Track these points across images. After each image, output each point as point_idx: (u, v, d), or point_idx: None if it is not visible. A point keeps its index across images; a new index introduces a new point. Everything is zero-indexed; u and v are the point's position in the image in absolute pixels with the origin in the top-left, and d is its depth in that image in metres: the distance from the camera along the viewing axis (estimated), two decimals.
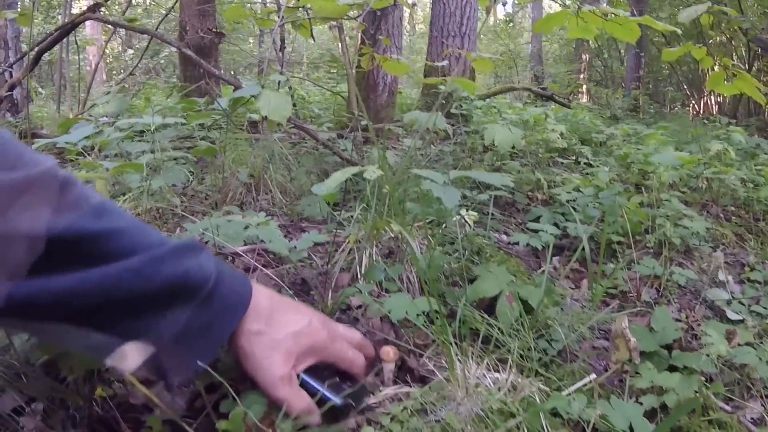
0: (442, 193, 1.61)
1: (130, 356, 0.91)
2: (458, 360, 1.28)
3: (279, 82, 2.91)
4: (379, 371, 1.35)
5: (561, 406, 1.19)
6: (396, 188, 1.90)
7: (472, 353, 1.33)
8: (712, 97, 7.48)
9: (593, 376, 1.31)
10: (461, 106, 3.93)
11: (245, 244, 1.93)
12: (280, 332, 1.08)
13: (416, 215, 1.90)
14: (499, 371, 1.30)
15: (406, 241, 1.76)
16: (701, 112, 7.55)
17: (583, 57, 12.32)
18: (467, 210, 2.28)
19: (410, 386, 1.33)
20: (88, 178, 1.97)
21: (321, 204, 2.37)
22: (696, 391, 1.37)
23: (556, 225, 2.40)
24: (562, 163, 3.56)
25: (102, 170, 1.94)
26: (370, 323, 1.56)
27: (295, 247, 1.87)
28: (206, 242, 1.98)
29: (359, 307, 1.67)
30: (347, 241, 1.88)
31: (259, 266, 1.84)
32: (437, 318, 1.32)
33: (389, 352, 1.31)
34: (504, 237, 2.37)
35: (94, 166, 2.01)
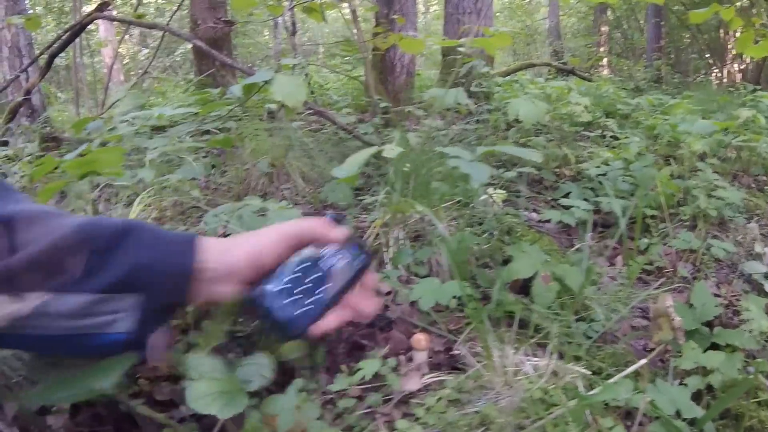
0: (471, 170, 1.53)
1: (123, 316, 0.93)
2: (495, 346, 1.21)
3: (293, 66, 2.83)
4: (411, 360, 1.29)
5: (611, 398, 1.11)
6: (420, 168, 1.83)
7: (509, 338, 1.26)
8: (735, 65, 7.32)
9: (643, 361, 1.23)
10: (481, 84, 3.84)
11: None
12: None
13: (442, 195, 1.83)
14: (538, 356, 1.23)
15: (434, 224, 1.69)
16: (724, 80, 7.39)
17: (603, 29, 12.13)
18: (495, 188, 2.21)
19: (445, 375, 1.26)
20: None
21: (344, 189, 2.30)
22: (739, 370, 1.31)
23: (586, 200, 2.31)
24: (588, 137, 3.46)
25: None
26: (399, 310, 1.50)
27: None
28: (227, 234, 1.92)
29: (388, 293, 1.61)
30: (372, 225, 1.81)
31: None
32: (470, 301, 1.25)
33: (421, 340, 1.24)
34: (534, 215, 2.29)
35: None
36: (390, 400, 1.19)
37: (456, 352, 1.34)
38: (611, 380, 1.20)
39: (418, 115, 3.48)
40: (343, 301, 1.06)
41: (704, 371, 1.33)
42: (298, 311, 0.99)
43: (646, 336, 1.50)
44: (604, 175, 2.60)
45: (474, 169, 1.53)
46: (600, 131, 3.60)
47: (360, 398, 1.20)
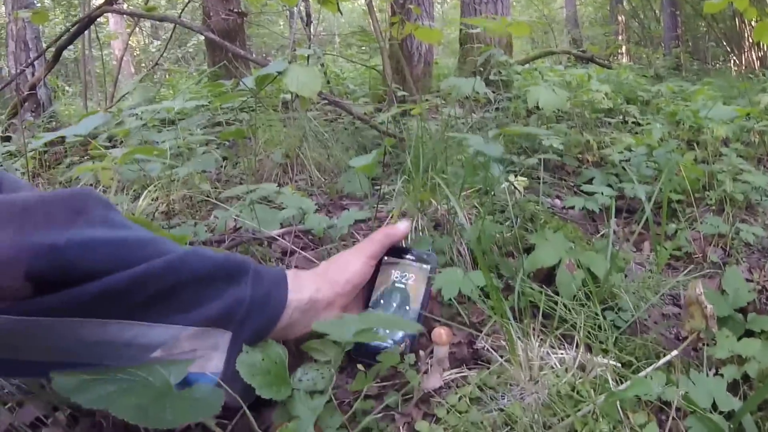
0: (483, 147, 1.48)
1: (214, 354, 0.97)
2: (519, 339, 1.14)
3: (308, 56, 2.76)
4: (431, 355, 1.22)
5: (643, 392, 1.04)
6: (439, 156, 1.77)
7: (534, 330, 1.19)
8: (753, 53, 7.18)
9: (675, 352, 1.16)
10: (500, 72, 3.76)
11: (282, 227, 1.82)
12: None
13: (462, 183, 1.76)
14: (564, 349, 1.16)
15: (454, 211, 1.63)
16: (743, 67, 7.25)
17: (620, 18, 11.96)
18: (516, 176, 2.14)
19: (467, 370, 1.19)
20: (94, 169, 1.86)
21: (361, 179, 2.24)
22: None
23: (610, 186, 2.23)
24: (609, 123, 3.38)
25: (109, 159, 1.82)
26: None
27: (335, 225, 1.74)
28: (239, 228, 1.87)
29: None
30: (390, 215, 1.75)
31: (297, 249, 1.73)
32: (493, 292, 1.18)
33: (442, 335, 1.17)
34: (557, 202, 2.22)
35: (101, 155, 1.90)
36: (410, 399, 1.12)
37: (479, 345, 1.27)
38: (642, 373, 1.13)
39: (436, 104, 3.41)
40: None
41: (740, 360, 1.25)
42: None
43: (678, 325, 1.43)
44: (627, 161, 2.52)
45: (487, 147, 1.48)
46: (621, 117, 3.52)
47: (378, 397, 1.14)
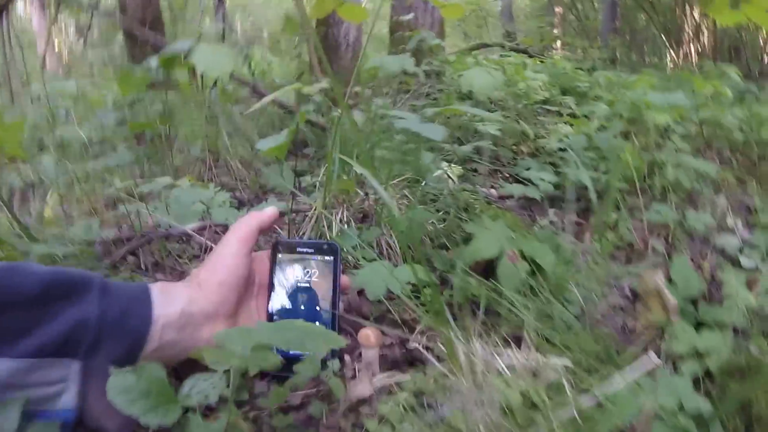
0: (423, 129, 1.30)
1: (66, 387, 0.80)
2: (458, 339, 0.99)
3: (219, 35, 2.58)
4: (359, 359, 1.07)
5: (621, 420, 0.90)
6: (364, 143, 1.63)
7: (475, 330, 1.04)
8: (692, 46, 7.21)
9: (657, 360, 1.03)
10: (431, 63, 3.62)
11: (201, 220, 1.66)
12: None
13: (390, 171, 1.62)
14: (511, 350, 1.01)
15: (382, 202, 1.48)
16: (681, 62, 7.28)
17: (557, 10, 11.99)
18: (449, 164, 2.00)
19: (401, 374, 1.04)
20: None
21: (286, 172, 2.08)
22: (734, 351, 1.15)
23: (553, 173, 2.10)
24: (546, 113, 3.27)
25: None
26: (345, 300, 1.28)
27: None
28: (158, 226, 1.69)
29: None
30: (313, 207, 1.59)
31: (213, 245, 1.56)
32: (432, 288, 1.03)
33: (369, 336, 1.02)
34: (493, 192, 2.08)
35: None
36: (336, 409, 0.97)
37: (412, 345, 1.12)
38: (603, 379, 0.99)
39: (365, 96, 3.26)
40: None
41: (697, 354, 1.15)
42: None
43: (628, 317, 1.30)
44: (563, 150, 2.40)
45: (427, 128, 1.30)
46: (557, 109, 3.42)
47: (302, 407, 0.98)
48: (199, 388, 0.81)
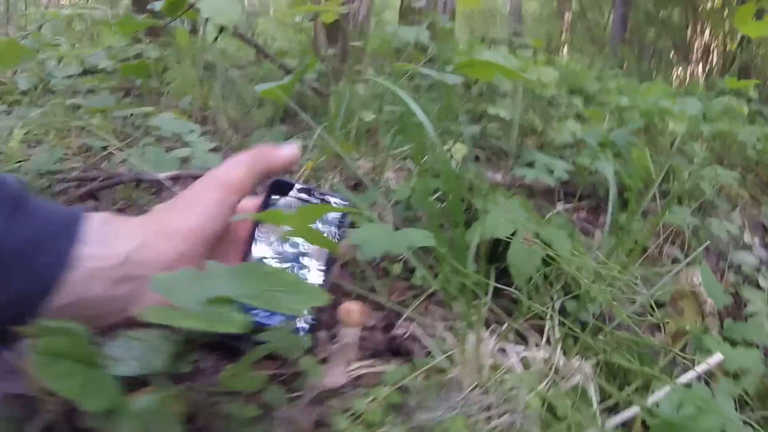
0: (442, 76, 1.10)
1: None
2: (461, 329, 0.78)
3: None
4: (336, 341, 0.85)
5: None
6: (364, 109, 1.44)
7: (481, 317, 0.83)
8: (699, 66, 7.06)
9: (693, 373, 0.82)
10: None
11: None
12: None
13: (393, 138, 1.42)
14: (526, 346, 0.80)
15: (380, 169, 1.28)
16: (688, 78, 7.12)
17: (566, 15, 11.78)
18: (453, 143, 1.79)
19: (384, 364, 0.83)
20: None
21: (277, 136, 1.88)
22: None
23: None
24: (552, 112, 3.07)
25: None
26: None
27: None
28: (130, 170, 1.48)
29: None
30: (303, 168, 1.38)
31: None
32: (441, 255, 0.81)
33: (352, 311, 0.80)
34: (498, 176, 1.86)
35: None
36: (298, 398, 0.75)
37: (398, 332, 0.91)
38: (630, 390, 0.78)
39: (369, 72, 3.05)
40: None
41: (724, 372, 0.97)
42: None
43: (655, 322, 1.10)
44: (572, 146, 2.21)
45: (444, 75, 1.09)
46: (565, 109, 3.22)
47: (254, 397, 0.76)
48: (135, 353, 0.58)
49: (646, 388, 0.79)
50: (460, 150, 1.74)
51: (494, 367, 0.73)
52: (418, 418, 0.68)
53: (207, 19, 2.78)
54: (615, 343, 0.90)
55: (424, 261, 0.94)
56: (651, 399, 0.71)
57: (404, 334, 0.90)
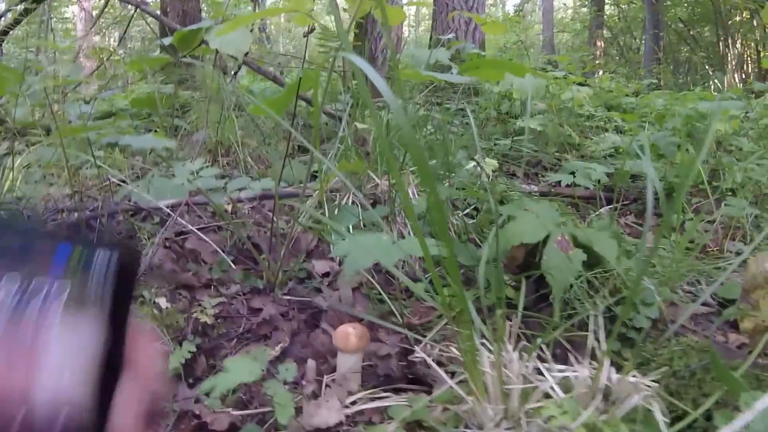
0: (451, 78, 0.93)
1: None
2: (484, 347, 0.60)
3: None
4: (331, 368, 0.67)
5: None
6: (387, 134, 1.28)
7: (510, 334, 0.64)
8: (736, 75, 6.78)
9: None
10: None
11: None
12: None
13: (405, 155, 1.26)
14: (564, 364, 0.61)
15: (398, 185, 1.11)
16: (726, 87, 6.83)
17: (598, 44, 11.51)
18: (484, 157, 1.61)
19: (393, 395, 0.65)
20: None
21: (294, 167, 1.73)
22: None
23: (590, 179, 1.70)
24: (590, 128, 2.88)
25: None
26: (336, 297, 0.90)
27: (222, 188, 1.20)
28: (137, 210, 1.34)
29: (326, 275, 1.01)
30: (315, 191, 1.23)
31: (193, 228, 1.20)
32: (450, 268, 0.62)
33: (350, 336, 0.63)
34: (533, 188, 1.67)
35: None
36: None
37: (418, 357, 0.72)
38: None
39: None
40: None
41: None
42: None
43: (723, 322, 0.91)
44: (612, 156, 2.02)
45: (452, 77, 0.92)
46: (603, 124, 3.02)
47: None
48: None
49: (727, 403, 0.60)
50: (490, 164, 1.57)
51: (526, 394, 0.54)
52: None
53: (238, 67, 2.70)
54: (682, 350, 0.70)
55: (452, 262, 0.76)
56: (739, 421, 0.51)
57: (423, 359, 0.72)
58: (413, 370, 0.73)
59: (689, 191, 1.73)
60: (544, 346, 0.64)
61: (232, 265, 1.13)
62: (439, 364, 0.72)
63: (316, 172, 1.62)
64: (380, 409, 0.61)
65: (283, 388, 0.58)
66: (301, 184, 1.65)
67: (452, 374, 0.66)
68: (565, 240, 0.91)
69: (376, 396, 0.64)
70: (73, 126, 1.42)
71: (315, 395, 0.62)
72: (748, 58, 6.87)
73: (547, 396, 0.55)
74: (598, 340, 0.61)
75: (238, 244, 1.22)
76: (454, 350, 0.70)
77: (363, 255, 0.70)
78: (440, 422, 0.56)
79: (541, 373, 0.57)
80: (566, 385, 0.56)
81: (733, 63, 6.62)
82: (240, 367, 0.55)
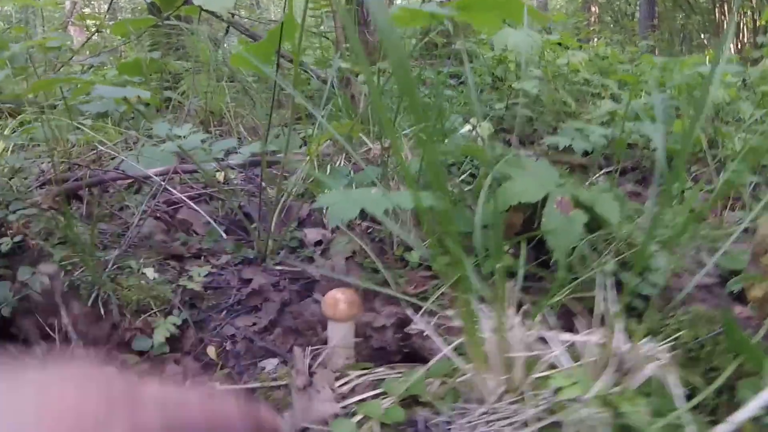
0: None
1: None
2: (483, 311, 0.55)
3: None
4: (321, 341, 0.63)
5: None
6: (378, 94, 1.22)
7: (512, 300, 0.59)
8: (731, 46, 6.71)
9: None
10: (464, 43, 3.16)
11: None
12: None
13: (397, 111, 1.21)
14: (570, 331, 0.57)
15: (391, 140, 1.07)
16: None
17: (593, 9, 11.41)
18: (479, 122, 1.57)
19: (389, 369, 0.60)
20: None
21: (293, 137, 1.69)
22: None
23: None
24: (586, 94, 2.82)
25: None
26: (328, 266, 0.85)
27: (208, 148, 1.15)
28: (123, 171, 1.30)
29: (318, 243, 0.97)
30: (306, 152, 1.18)
31: (183, 197, 1.16)
32: (443, 239, 0.57)
33: (339, 302, 0.58)
34: (530, 152, 1.63)
35: None
36: None
37: (414, 329, 0.68)
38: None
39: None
40: None
41: None
42: None
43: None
44: (608, 123, 1.97)
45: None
46: (598, 90, 2.96)
47: None
48: None
49: (740, 376, 0.55)
50: (485, 129, 1.52)
51: (530, 364, 0.50)
52: None
53: (226, 30, 2.63)
54: (690, 320, 0.65)
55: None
56: (760, 399, 0.47)
57: (421, 331, 0.68)
58: (409, 343, 0.69)
59: (687, 159, 1.69)
60: (546, 313, 0.60)
61: (224, 235, 1.08)
62: (439, 335, 0.68)
63: (308, 137, 1.57)
64: (374, 383, 0.57)
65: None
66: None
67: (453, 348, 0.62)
68: (566, 201, 0.87)
69: (370, 372, 0.59)
70: (46, 79, 1.36)
71: (306, 384, 0.57)
72: (744, 27, 6.79)
73: (553, 367, 0.50)
74: (606, 302, 0.57)
75: (230, 214, 1.18)
76: (451, 321, 0.66)
77: (349, 205, 0.65)
78: (437, 397, 0.51)
79: (545, 342, 0.53)
80: (573, 355, 0.52)
81: (729, 31, 6.56)
82: None
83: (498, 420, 0.44)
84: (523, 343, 0.50)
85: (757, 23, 6.53)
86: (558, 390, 0.45)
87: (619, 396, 0.45)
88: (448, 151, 1.10)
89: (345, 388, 0.56)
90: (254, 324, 0.78)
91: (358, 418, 0.50)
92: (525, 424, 0.43)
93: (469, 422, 0.45)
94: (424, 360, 0.64)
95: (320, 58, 3.22)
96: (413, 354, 0.68)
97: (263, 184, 1.07)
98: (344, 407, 0.54)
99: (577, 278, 0.71)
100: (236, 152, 1.25)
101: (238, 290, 0.90)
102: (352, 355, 0.62)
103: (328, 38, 3.36)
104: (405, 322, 0.73)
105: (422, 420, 0.49)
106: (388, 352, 0.67)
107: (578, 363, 0.50)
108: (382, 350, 0.67)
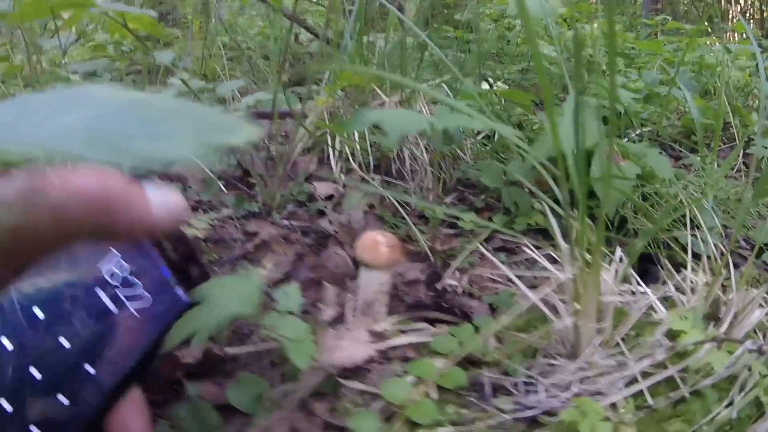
0: None
1: None
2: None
3: None
4: (352, 292, 0.53)
5: None
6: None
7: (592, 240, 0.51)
8: (736, 35, 6.66)
9: None
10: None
11: None
12: None
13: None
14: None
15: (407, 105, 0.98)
16: (725, 41, 6.73)
17: None
18: (495, 81, 1.49)
19: (424, 323, 0.51)
20: None
21: (289, 96, 1.59)
22: None
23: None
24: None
25: None
26: (340, 221, 0.77)
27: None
28: None
29: (329, 197, 0.88)
30: (315, 103, 1.09)
31: None
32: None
33: (377, 245, 0.49)
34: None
35: None
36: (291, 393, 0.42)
37: (448, 283, 0.59)
38: None
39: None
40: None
41: None
42: None
43: None
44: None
45: None
46: (603, 71, 2.89)
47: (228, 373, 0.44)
48: None
49: None
50: (501, 90, 1.44)
51: (621, 315, 0.41)
52: (500, 413, 0.36)
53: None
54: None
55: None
56: None
57: (456, 287, 0.59)
58: (445, 299, 0.60)
59: (705, 135, 1.61)
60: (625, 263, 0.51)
61: (224, 189, 0.99)
62: (470, 295, 0.60)
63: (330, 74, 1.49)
64: (416, 342, 0.48)
65: (294, 319, 0.44)
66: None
67: (491, 306, 0.53)
68: (616, 152, 0.78)
69: (408, 328, 0.50)
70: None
71: (332, 323, 0.48)
72: (751, 18, 6.74)
73: (654, 310, 0.42)
74: (703, 241, 0.48)
75: (228, 170, 1.08)
76: (485, 279, 0.57)
77: (401, 123, 0.55)
78: (505, 356, 0.42)
79: (632, 294, 0.44)
80: (670, 299, 0.43)
81: (735, 20, 6.49)
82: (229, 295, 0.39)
83: (597, 376, 0.35)
84: (614, 290, 0.41)
85: (764, 13, 6.49)
86: (676, 335, 0.36)
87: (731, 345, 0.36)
88: (484, 94, 1.01)
89: (385, 344, 0.47)
90: (265, 278, 0.69)
91: (410, 378, 0.41)
92: (634, 380, 0.35)
93: (558, 383, 0.36)
94: (463, 315, 0.55)
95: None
96: (449, 311, 0.59)
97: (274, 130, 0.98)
98: (382, 352, 0.45)
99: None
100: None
101: (243, 243, 0.81)
102: (386, 309, 0.52)
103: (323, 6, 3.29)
104: (435, 277, 0.64)
105: (488, 382, 0.40)
106: (424, 306, 0.58)
107: (681, 309, 0.41)
108: (417, 305, 0.58)
